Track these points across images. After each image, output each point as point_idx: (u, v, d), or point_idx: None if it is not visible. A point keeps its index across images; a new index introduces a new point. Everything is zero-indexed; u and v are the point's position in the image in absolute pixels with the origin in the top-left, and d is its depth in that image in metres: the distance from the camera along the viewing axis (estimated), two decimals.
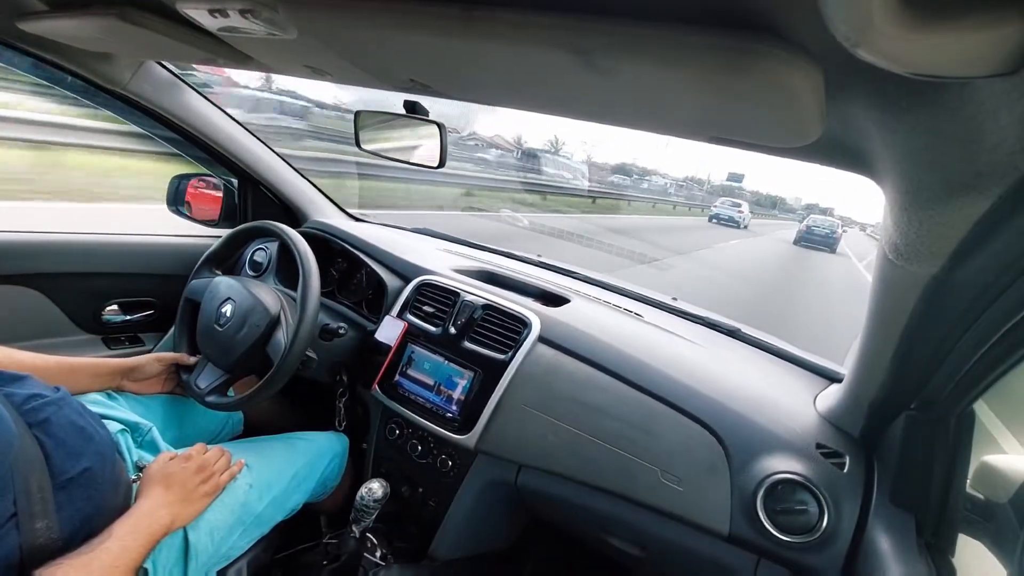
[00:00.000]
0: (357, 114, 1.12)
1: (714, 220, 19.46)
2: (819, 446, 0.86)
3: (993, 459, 0.73)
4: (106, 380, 0.96)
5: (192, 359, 1.08)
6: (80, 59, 1.08)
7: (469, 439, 1.05)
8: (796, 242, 16.85)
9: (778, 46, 0.36)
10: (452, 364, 1.11)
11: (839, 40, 0.30)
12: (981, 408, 0.71)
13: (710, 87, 0.41)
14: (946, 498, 0.72)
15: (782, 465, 0.84)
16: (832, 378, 1.06)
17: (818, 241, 16.56)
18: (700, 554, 0.92)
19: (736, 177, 59.00)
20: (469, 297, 1.17)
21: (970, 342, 0.59)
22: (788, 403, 0.96)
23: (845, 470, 0.83)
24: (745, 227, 19.51)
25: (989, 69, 0.31)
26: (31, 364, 0.85)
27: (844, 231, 17.60)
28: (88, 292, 1.25)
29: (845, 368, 0.98)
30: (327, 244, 1.41)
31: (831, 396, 0.93)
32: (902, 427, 0.75)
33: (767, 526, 0.82)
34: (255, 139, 1.42)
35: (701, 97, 0.45)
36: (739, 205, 20.66)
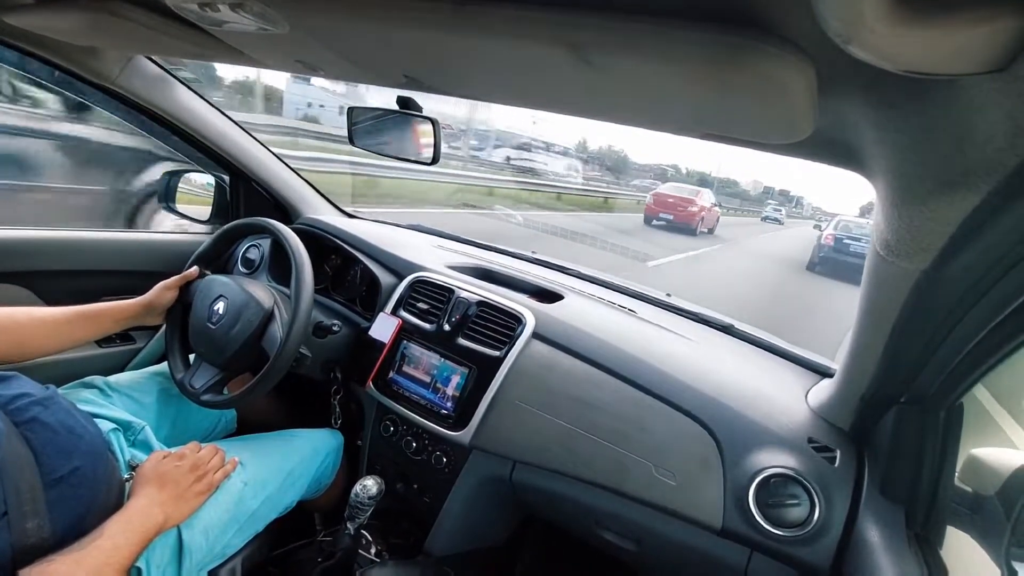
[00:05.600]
0: (350, 110, 1.11)
1: (765, 219, 24.67)
2: (811, 440, 0.87)
3: (981, 452, 0.74)
4: (128, 322, 1.00)
5: (196, 271, 1.10)
6: (68, 53, 1.06)
7: (464, 435, 1.05)
8: (813, 266, 9.11)
9: (771, 43, 0.36)
10: (446, 361, 1.11)
11: (831, 37, 0.30)
12: (982, 394, 0.70)
13: (703, 83, 0.42)
14: (935, 491, 0.72)
15: (774, 460, 0.85)
16: (824, 373, 1.07)
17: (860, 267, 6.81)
18: (693, 548, 0.93)
19: None
20: (463, 294, 1.17)
21: (959, 336, 0.60)
22: (780, 398, 0.97)
23: (836, 464, 0.84)
24: (782, 223, 24.16)
25: (978, 66, 0.31)
26: (52, 319, 0.88)
27: None
28: (78, 290, 1.24)
29: (836, 363, 0.99)
30: (320, 241, 1.41)
31: (822, 391, 0.94)
32: (892, 421, 0.76)
33: (759, 520, 0.83)
34: (247, 135, 1.41)
35: (694, 93, 0.45)
36: (780, 209, 28.03)
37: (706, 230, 11.99)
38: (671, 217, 11.06)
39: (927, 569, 0.67)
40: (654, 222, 11.24)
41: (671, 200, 11.34)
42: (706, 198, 12.08)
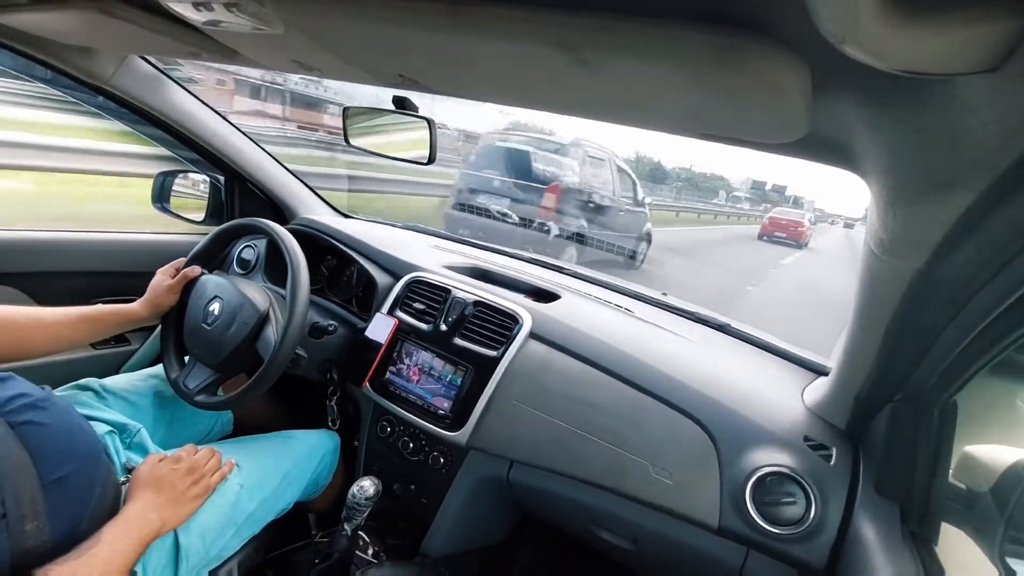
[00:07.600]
0: (345, 110, 1.11)
1: None
2: (806, 439, 0.87)
3: (975, 449, 0.74)
4: (128, 325, 1.01)
5: (197, 270, 1.09)
6: (62, 53, 1.05)
7: (461, 436, 1.05)
8: None
9: (766, 43, 0.36)
10: (443, 361, 1.11)
11: (826, 37, 0.30)
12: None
13: (698, 83, 0.42)
14: (929, 488, 0.73)
15: (770, 458, 0.86)
16: (819, 372, 1.07)
17: None
18: (690, 547, 0.93)
19: None
20: (460, 294, 1.16)
21: (953, 335, 0.60)
22: (776, 397, 0.97)
23: (832, 462, 0.85)
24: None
25: (972, 66, 0.31)
26: (53, 320, 0.88)
27: None
28: (72, 291, 1.23)
29: (832, 362, 0.99)
30: (316, 241, 1.40)
31: (818, 389, 0.94)
32: (887, 419, 0.76)
33: (756, 518, 0.83)
34: (242, 135, 1.40)
35: (689, 93, 0.45)
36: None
37: (805, 244, 15.67)
38: (784, 235, 14.91)
39: (922, 566, 0.67)
40: (764, 238, 14.96)
41: (784, 222, 15.30)
42: (808, 219, 15.97)
